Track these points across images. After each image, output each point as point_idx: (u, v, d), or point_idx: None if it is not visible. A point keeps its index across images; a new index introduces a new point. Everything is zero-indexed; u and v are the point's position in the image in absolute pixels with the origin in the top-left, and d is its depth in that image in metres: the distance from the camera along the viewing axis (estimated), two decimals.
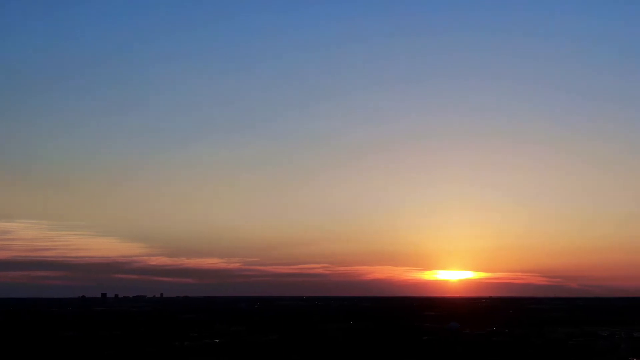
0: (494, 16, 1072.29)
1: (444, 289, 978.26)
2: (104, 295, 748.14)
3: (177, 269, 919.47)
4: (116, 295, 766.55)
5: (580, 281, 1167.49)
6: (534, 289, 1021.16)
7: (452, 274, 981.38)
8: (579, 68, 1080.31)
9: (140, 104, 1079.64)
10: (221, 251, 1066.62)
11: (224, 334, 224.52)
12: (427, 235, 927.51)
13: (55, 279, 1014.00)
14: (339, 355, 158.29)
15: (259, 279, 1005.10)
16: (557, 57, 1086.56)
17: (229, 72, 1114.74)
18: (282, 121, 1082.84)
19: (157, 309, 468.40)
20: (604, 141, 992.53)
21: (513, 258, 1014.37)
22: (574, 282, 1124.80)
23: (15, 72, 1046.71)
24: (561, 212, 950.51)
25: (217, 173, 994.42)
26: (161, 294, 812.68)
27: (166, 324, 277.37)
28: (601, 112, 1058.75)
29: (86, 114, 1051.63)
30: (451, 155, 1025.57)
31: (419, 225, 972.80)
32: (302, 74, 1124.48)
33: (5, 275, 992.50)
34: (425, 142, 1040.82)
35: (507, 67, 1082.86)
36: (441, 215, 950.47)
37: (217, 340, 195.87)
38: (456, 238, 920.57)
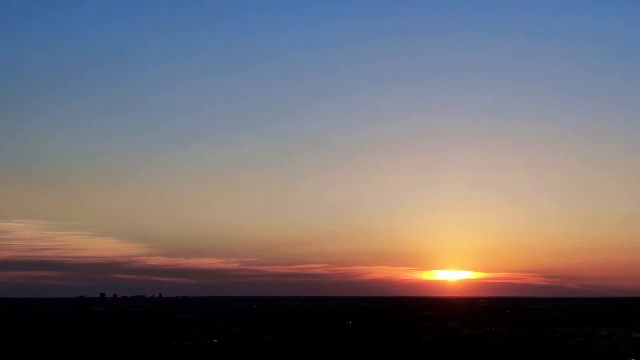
0: (493, 16, 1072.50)
1: (443, 289, 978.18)
2: (102, 295, 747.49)
3: (175, 269, 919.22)
4: (115, 295, 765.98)
5: (579, 281, 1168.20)
6: (532, 289, 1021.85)
7: (451, 274, 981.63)
8: (579, 68, 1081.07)
9: (140, 104, 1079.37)
10: (220, 251, 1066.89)
11: (223, 334, 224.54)
12: (426, 235, 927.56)
13: (53, 279, 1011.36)
14: (338, 356, 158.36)
15: (257, 279, 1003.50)
16: (556, 57, 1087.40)
17: (229, 72, 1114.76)
18: (282, 121, 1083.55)
19: (156, 309, 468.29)
20: (603, 141, 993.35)
21: (512, 258, 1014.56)
22: (572, 282, 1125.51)
23: (15, 72, 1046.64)
24: (560, 212, 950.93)
25: (216, 173, 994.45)
26: (160, 294, 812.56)
27: (165, 324, 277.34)
28: (601, 112, 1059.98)
29: (85, 114, 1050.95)
30: (450, 156, 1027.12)
31: (417, 225, 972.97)
32: (302, 74, 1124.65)
33: (4, 275, 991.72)
34: (424, 143, 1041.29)
35: (507, 67, 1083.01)
36: (440, 215, 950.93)
37: (215, 341, 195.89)
38: (455, 238, 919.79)
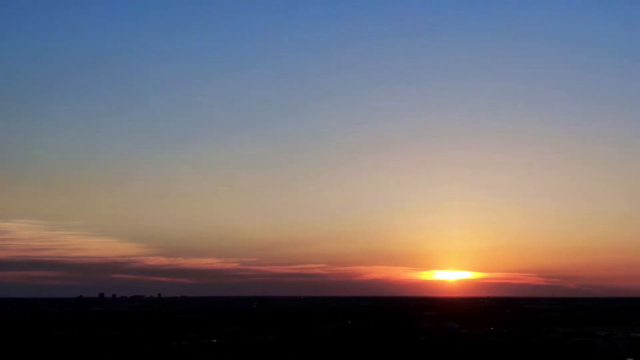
0: (493, 17, 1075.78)
1: (442, 289, 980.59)
2: (101, 295, 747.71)
3: (174, 269, 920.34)
4: (114, 295, 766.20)
5: (578, 281, 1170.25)
6: (531, 289, 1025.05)
7: (450, 274, 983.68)
8: (578, 69, 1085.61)
9: (140, 104, 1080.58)
10: (219, 251, 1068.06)
11: (222, 334, 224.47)
12: (425, 236, 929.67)
13: (53, 279, 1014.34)
14: (338, 356, 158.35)
15: (256, 279, 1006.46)
16: (556, 58, 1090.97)
17: (229, 72, 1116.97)
18: (282, 121, 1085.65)
19: (155, 309, 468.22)
20: (602, 141, 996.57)
21: (511, 258, 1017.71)
22: (571, 282, 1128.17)
23: (15, 72, 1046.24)
24: (559, 212, 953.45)
25: (215, 173, 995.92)
26: (159, 294, 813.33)
27: (164, 324, 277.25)
28: (599, 112, 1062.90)
29: (85, 114, 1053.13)
30: (450, 156, 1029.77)
31: (417, 225, 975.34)
32: (302, 74, 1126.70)
33: (3, 275, 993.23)
34: (423, 143, 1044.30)
35: (506, 68, 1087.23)
36: (439, 216, 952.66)
37: (214, 341, 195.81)
38: (454, 238, 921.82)
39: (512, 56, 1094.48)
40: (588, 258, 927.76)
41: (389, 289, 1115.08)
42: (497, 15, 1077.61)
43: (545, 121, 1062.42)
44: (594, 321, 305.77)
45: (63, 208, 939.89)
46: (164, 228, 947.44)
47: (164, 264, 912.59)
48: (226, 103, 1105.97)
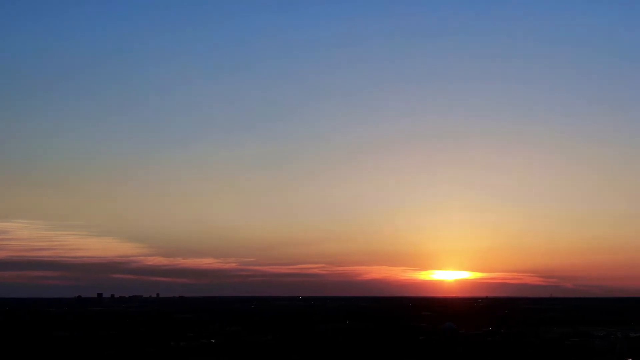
0: (493, 18, 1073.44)
1: (440, 289, 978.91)
2: (100, 295, 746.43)
3: (173, 269, 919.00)
4: (112, 295, 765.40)
5: (576, 281, 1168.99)
6: (529, 289, 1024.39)
7: (448, 274, 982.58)
8: (577, 70, 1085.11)
9: (140, 104, 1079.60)
10: (217, 251, 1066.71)
11: (221, 334, 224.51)
12: (424, 236, 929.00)
13: (51, 278, 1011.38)
14: (338, 356, 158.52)
15: (255, 279, 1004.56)
16: (555, 59, 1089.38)
17: (229, 72, 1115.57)
18: (282, 121, 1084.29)
19: (154, 309, 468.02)
20: (601, 142, 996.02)
21: (509, 258, 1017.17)
22: (569, 282, 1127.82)
23: (15, 72, 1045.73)
24: (557, 212, 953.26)
25: (215, 173, 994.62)
26: (157, 294, 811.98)
27: (163, 324, 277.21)
28: (597, 113, 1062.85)
29: (85, 114, 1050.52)
30: (449, 156, 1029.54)
31: (415, 226, 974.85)
32: (302, 74, 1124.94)
33: (1, 275, 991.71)
34: (422, 143, 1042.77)
35: (506, 69, 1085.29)
36: (438, 216, 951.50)
37: (213, 341, 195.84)
38: (452, 238, 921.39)
39: (511, 57, 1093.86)
40: (586, 258, 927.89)
41: (387, 289, 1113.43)
42: (496, 16, 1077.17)
43: (544, 122, 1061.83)
44: (592, 321, 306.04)
45: (62, 208, 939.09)
46: (162, 228, 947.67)
47: (163, 264, 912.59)
48: (226, 103, 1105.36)
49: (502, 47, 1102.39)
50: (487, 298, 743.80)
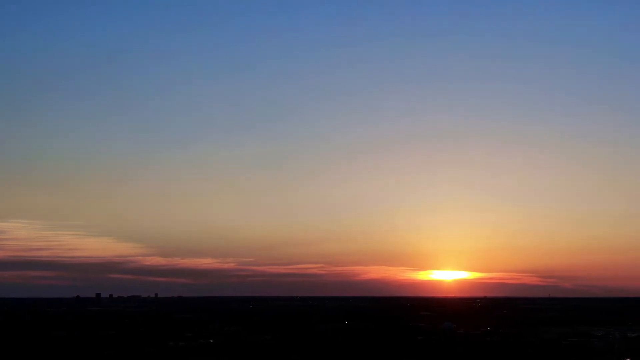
0: (492, 19, 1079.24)
1: (439, 289, 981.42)
2: (98, 295, 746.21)
3: (171, 269, 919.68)
4: (111, 295, 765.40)
5: (575, 281, 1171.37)
6: (528, 289, 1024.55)
7: (447, 274, 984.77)
8: (576, 70, 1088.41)
9: (140, 104, 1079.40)
10: (216, 251, 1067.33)
11: (220, 334, 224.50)
12: (422, 236, 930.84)
13: (49, 278, 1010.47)
14: (339, 356, 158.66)
15: (253, 279, 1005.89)
16: (554, 59, 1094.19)
17: (229, 72, 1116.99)
18: (282, 121, 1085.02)
19: (152, 309, 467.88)
20: (599, 142, 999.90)
21: (507, 258, 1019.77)
22: (568, 282, 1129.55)
23: (15, 72, 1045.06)
24: (555, 212, 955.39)
25: (214, 173, 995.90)
26: (156, 294, 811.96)
27: (161, 324, 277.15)
28: (596, 113, 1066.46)
29: (83, 114, 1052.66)
30: (448, 156, 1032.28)
31: (414, 226, 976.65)
32: (302, 74, 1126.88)
33: None
34: (422, 143, 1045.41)
35: (505, 69, 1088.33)
36: (436, 216, 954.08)
37: (211, 341, 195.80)
38: (451, 238, 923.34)
39: (511, 57, 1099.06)
40: (585, 258, 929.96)
41: (386, 289, 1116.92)
42: (496, 16, 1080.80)
43: (543, 122, 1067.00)
44: (590, 321, 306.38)
45: (60, 208, 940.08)
46: (161, 228, 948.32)
47: (161, 264, 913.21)
48: (226, 103, 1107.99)
49: (502, 47, 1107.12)
50: (485, 298, 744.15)
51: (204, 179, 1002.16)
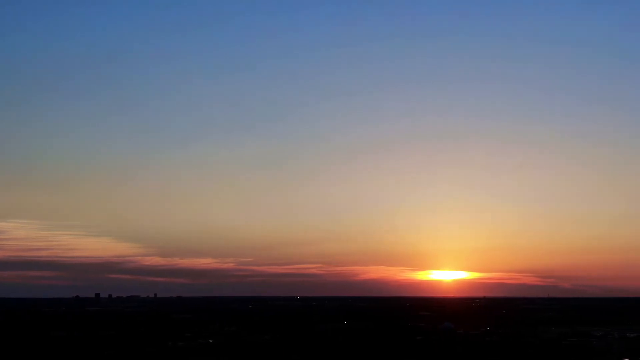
0: (491, 20, 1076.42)
1: (438, 289, 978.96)
2: (97, 295, 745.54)
3: (171, 269, 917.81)
4: (110, 296, 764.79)
5: (574, 281, 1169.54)
6: (527, 289, 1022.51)
7: (446, 274, 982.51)
8: (575, 70, 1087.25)
9: (140, 104, 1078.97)
10: (215, 251, 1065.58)
11: (220, 334, 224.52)
12: (422, 236, 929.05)
13: (48, 278, 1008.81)
14: (338, 356, 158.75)
15: (253, 279, 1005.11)
16: (553, 60, 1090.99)
17: (229, 72, 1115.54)
18: (282, 121, 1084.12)
19: (151, 309, 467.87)
20: (598, 142, 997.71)
21: (506, 258, 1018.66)
22: (567, 282, 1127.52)
23: (14, 71, 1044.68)
24: (555, 212, 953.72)
25: (214, 173, 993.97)
26: (155, 294, 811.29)
27: (161, 324, 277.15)
28: (596, 113, 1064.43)
29: (83, 113, 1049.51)
30: (447, 156, 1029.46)
31: (413, 226, 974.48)
32: (302, 74, 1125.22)
33: None
34: (422, 143, 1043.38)
35: (505, 69, 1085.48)
36: (435, 216, 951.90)
37: (211, 341, 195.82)
38: (450, 238, 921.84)
39: (511, 57, 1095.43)
40: (584, 258, 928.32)
41: (385, 289, 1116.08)
42: (496, 16, 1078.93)
43: (543, 122, 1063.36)
44: (589, 321, 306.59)
45: (59, 208, 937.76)
46: (160, 228, 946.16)
47: (160, 264, 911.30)
48: (226, 103, 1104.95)
49: (502, 47, 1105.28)
50: (484, 298, 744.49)
51: (203, 179, 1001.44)
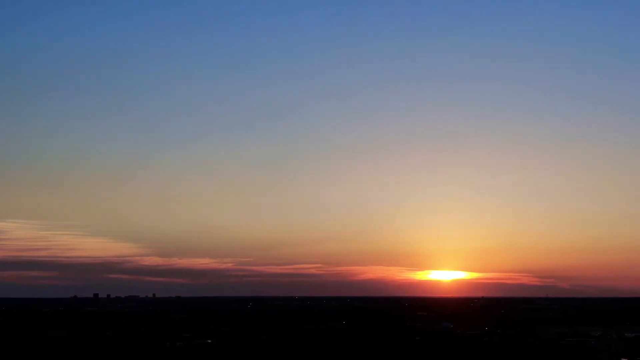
0: (491, 20, 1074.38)
1: (437, 289, 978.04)
2: (96, 295, 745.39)
3: (169, 269, 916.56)
4: (108, 296, 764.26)
5: (572, 281, 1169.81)
6: (526, 289, 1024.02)
7: (445, 274, 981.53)
8: (573, 71, 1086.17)
9: (139, 104, 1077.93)
10: (214, 251, 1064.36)
11: (219, 334, 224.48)
12: (420, 236, 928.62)
13: (47, 278, 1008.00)
14: (338, 356, 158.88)
15: (251, 279, 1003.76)
16: (551, 60, 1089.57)
17: (229, 72, 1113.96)
18: (282, 121, 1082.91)
19: (150, 309, 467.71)
20: (597, 142, 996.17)
21: (505, 258, 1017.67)
22: (566, 282, 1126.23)
23: (13, 71, 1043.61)
24: (554, 212, 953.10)
25: (214, 173, 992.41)
26: (153, 294, 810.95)
27: (160, 324, 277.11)
28: (596, 113, 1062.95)
29: (83, 113, 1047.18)
30: (446, 157, 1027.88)
31: (412, 226, 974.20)
32: (302, 74, 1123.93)
33: None
34: (422, 143, 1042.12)
35: (505, 69, 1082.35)
36: (434, 216, 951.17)
37: (209, 341, 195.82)
38: (449, 238, 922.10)
39: (511, 57, 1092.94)
40: (582, 258, 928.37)
41: (384, 289, 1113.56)
42: (496, 17, 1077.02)
43: (542, 122, 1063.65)
44: (588, 321, 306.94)
45: (58, 208, 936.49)
46: (158, 228, 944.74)
47: (159, 264, 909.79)
48: (226, 103, 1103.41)
49: (502, 47, 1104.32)
50: (483, 298, 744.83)
51: (203, 179, 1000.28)
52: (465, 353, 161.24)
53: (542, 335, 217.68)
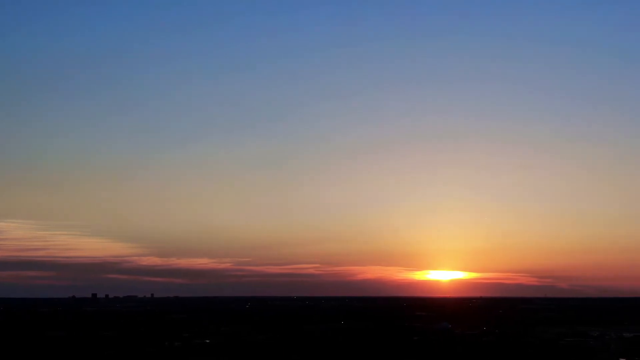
0: (491, 20, 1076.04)
1: (435, 289, 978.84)
2: (94, 295, 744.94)
3: (168, 269, 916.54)
4: (107, 296, 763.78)
5: (571, 281, 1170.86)
6: (524, 289, 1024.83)
7: (443, 274, 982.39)
8: (575, 70, 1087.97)
9: (139, 104, 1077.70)
10: (212, 251, 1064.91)
11: (217, 334, 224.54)
12: (419, 236, 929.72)
13: (45, 279, 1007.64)
14: (338, 356, 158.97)
15: (250, 279, 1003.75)
16: (554, 59, 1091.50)
17: (229, 72, 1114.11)
18: (282, 121, 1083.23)
19: (148, 309, 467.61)
20: (595, 142, 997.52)
21: (504, 258, 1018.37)
22: (564, 282, 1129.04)
23: (13, 71, 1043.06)
24: (553, 212, 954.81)
25: (214, 173, 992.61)
26: (152, 294, 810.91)
27: (159, 324, 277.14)
28: (595, 113, 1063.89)
29: (83, 113, 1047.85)
30: (445, 157, 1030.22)
31: (411, 226, 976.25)
32: (302, 74, 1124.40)
33: None
34: (422, 143, 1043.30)
35: (505, 69, 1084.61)
36: (434, 216, 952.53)
37: (208, 341, 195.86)
38: (447, 238, 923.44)
39: (511, 57, 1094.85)
40: (581, 258, 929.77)
41: (383, 289, 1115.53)
42: (496, 17, 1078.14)
43: (542, 122, 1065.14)
44: (587, 321, 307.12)
45: (56, 208, 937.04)
46: (157, 228, 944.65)
47: (157, 264, 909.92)
48: (226, 103, 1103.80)
49: (502, 47, 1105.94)
50: (481, 298, 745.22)
51: (202, 179, 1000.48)
52: (464, 353, 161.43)
53: (541, 335, 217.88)
